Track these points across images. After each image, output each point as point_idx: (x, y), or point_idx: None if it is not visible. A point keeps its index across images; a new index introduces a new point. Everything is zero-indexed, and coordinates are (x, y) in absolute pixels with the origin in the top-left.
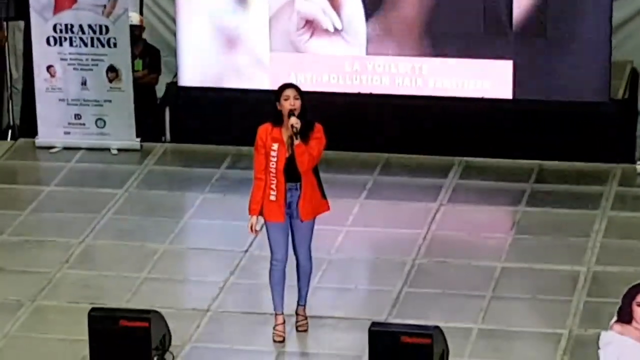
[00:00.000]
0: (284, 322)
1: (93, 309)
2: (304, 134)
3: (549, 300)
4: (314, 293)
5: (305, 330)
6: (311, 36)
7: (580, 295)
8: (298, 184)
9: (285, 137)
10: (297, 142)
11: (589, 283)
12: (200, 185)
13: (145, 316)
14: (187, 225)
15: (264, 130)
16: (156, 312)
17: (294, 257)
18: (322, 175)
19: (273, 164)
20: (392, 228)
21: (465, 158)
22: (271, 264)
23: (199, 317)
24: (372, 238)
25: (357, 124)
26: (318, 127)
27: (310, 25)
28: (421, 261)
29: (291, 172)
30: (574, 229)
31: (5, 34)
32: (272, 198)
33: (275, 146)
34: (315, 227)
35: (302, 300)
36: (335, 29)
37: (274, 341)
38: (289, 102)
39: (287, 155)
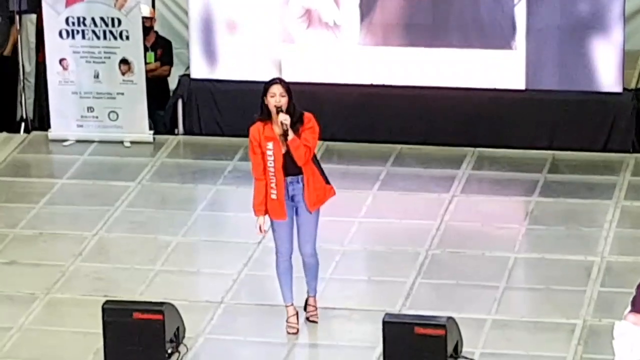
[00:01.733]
0: (296, 314)
1: (107, 302)
2: (295, 128)
3: (563, 291)
4: (327, 284)
5: (316, 321)
6: (308, 26)
7: (594, 286)
8: (299, 176)
9: (277, 134)
10: (290, 137)
11: (602, 273)
12: (213, 177)
13: (158, 308)
14: (200, 218)
15: (256, 130)
16: (170, 304)
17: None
18: (335, 166)
19: (271, 163)
20: (405, 219)
21: (478, 149)
22: (276, 256)
23: (212, 309)
24: (385, 229)
25: (370, 115)
26: (308, 117)
27: (309, 15)
28: (434, 252)
29: (290, 167)
30: (588, 219)
31: (18, 28)
32: (273, 197)
33: (270, 145)
34: (329, 218)
35: (312, 292)
36: (335, 22)
37: (288, 333)
38: (275, 100)
39: (282, 151)
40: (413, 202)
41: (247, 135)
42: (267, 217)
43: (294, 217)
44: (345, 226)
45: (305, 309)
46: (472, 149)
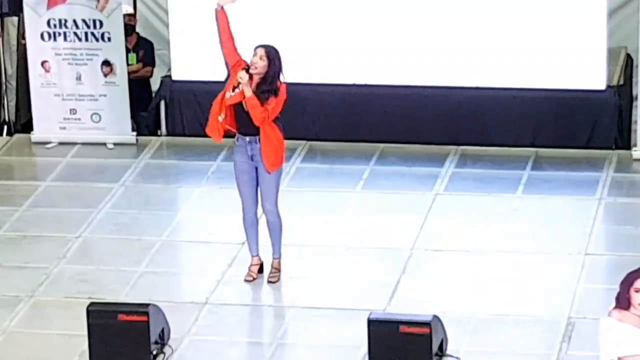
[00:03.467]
0: (258, 264)
1: (91, 304)
2: (265, 96)
3: (547, 287)
4: (312, 283)
5: (274, 282)
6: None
7: (578, 282)
8: (257, 137)
9: (247, 84)
10: (247, 95)
11: (586, 269)
12: (196, 178)
13: (143, 310)
14: (184, 218)
15: (240, 65)
16: (154, 305)
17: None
18: (318, 166)
19: (228, 95)
20: (389, 217)
21: (461, 147)
22: (242, 211)
23: (197, 309)
24: (369, 228)
25: (353, 115)
26: (282, 88)
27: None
28: (418, 250)
29: (246, 125)
30: (571, 216)
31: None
32: (220, 119)
33: (243, 77)
34: (313, 216)
35: (275, 253)
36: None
37: (245, 280)
38: (252, 59)
39: (241, 99)
40: (396, 200)
41: (229, 136)
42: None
43: (256, 176)
44: (329, 225)
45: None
46: (455, 147)
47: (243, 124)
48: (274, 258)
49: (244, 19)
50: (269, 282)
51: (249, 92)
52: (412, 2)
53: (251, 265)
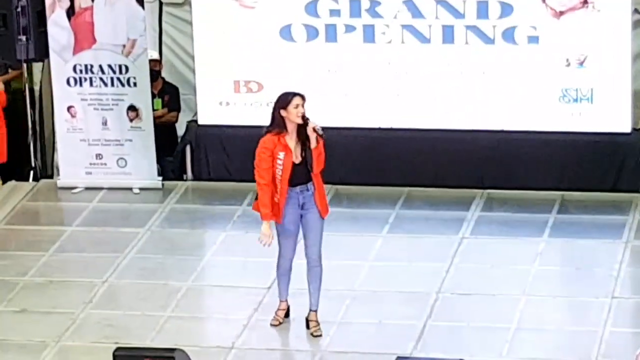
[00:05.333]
0: (286, 309)
1: (118, 349)
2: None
3: (574, 331)
4: (338, 328)
5: (321, 335)
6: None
7: (605, 325)
8: (309, 184)
9: (292, 145)
10: (313, 145)
11: (613, 312)
12: (222, 222)
13: (170, 355)
14: (210, 263)
15: (271, 140)
16: (181, 350)
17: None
18: (344, 210)
19: (279, 172)
20: (415, 261)
21: (487, 190)
22: (279, 259)
23: (223, 354)
24: (395, 272)
25: (378, 159)
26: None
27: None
28: (445, 294)
29: (298, 176)
30: (598, 259)
31: (26, 76)
32: (275, 200)
33: (281, 155)
34: (339, 261)
35: (314, 306)
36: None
37: (271, 324)
38: (299, 110)
39: (294, 161)
40: (422, 244)
41: (254, 180)
42: (273, 225)
43: (300, 225)
44: (355, 269)
45: (307, 326)
46: (480, 190)
47: (294, 175)
48: (313, 310)
49: (267, 63)
50: (315, 336)
51: (314, 143)
52: (438, 46)
53: (278, 309)
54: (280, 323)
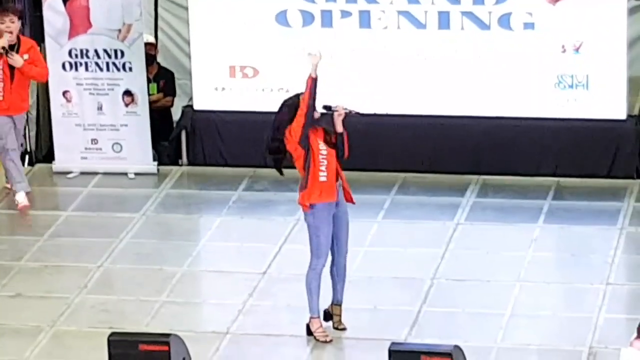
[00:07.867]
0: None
1: (112, 334)
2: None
3: (569, 317)
4: None
5: (345, 329)
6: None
7: (599, 312)
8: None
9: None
10: (341, 128)
11: (608, 299)
12: (218, 207)
13: (164, 340)
14: (205, 248)
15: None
16: (176, 335)
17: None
18: None
19: (323, 168)
20: (410, 247)
21: (482, 176)
22: (313, 269)
23: (218, 339)
24: (391, 258)
25: (374, 144)
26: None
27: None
28: (440, 280)
29: (334, 169)
30: (593, 245)
31: None
32: (323, 179)
33: (323, 146)
34: None
35: (341, 298)
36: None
37: (325, 342)
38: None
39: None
40: (418, 230)
41: (251, 165)
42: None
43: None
44: (351, 255)
45: (327, 319)
46: (476, 176)
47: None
48: (339, 304)
49: (263, 49)
50: (339, 329)
51: (340, 127)
52: (434, 32)
53: (318, 328)
54: (330, 337)
